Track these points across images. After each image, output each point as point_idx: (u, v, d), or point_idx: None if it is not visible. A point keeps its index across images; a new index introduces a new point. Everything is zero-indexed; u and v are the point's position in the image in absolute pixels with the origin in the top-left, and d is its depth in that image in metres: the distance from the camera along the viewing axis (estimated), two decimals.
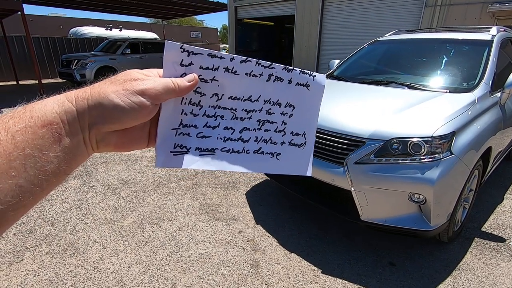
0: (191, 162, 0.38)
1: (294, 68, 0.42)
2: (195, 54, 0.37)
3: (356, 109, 2.31)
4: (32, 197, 0.29)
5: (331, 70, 3.50)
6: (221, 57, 0.38)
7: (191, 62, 0.37)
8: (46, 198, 2.91)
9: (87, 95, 0.32)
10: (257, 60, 0.40)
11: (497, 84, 2.54)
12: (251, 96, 0.41)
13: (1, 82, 11.56)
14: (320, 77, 0.44)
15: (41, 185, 0.29)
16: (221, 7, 12.65)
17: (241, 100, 0.40)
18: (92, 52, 10.75)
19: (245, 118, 0.41)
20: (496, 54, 2.64)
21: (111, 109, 0.32)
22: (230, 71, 0.39)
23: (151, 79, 0.35)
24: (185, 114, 0.38)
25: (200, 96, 0.38)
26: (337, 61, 3.64)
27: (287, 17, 11.89)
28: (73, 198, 2.94)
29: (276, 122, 0.43)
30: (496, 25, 3.66)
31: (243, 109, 0.41)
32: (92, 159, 3.94)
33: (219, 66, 0.38)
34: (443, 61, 2.95)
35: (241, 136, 0.41)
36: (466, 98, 2.22)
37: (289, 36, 12.14)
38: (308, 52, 10.46)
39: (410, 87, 2.57)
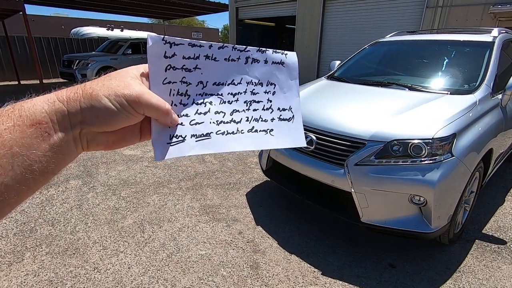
0: (189, 149, 0.39)
1: (267, 49, 0.45)
2: (177, 44, 0.38)
3: (356, 110, 2.30)
4: (18, 195, 0.29)
5: (332, 71, 3.49)
6: (200, 46, 0.39)
7: (174, 53, 0.38)
8: (46, 198, 2.91)
9: (79, 97, 0.31)
10: (233, 45, 0.42)
11: (499, 85, 2.53)
12: (233, 79, 0.43)
13: (3, 82, 11.59)
14: (291, 54, 0.47)
15: (28, 184, 0.29)
16: (222, 8, 12.67)
17: (226, 85, 0.42)
18: (94, 52, 10.78)
19: (232, 101, 0.43)
20: (497, 56, 2.64)
21: (103, 112, 0.32)
22: (210, 58, 0.40)
23: (146, 91, 0.35)
24: (175, 105, 0.39)
25: (187, 86, 0.40)
26: (338, 62, 3.64)
27: (288, 18, 11.89)
28: (73, 198, 2.94)
29: (262, 101, 0.45)
30: (497, 27, 3.65)
31: (229, 93, 0.42)
32: (93, 159, 3.95)
33: (199, 55, 0.39)
34: (444, 63, 2.95)
35: (232, 118, 0.42)
36: (467, 99, 2.21)
37: (290, 37, 12.13)
38: (309, 53, 10.45)
39: (411, 88, 2.57)
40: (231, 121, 0.42)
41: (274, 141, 0.45)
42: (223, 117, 0.42)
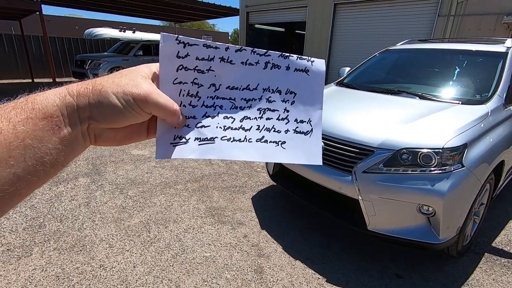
0: (190, 152, 0.38)
1: (291, 55, 0.42)
2: (191, 45, 0.37)
3: (366, 117, 2.29)
4: (28, 186, 0.29)
5: (342, 78, 3.49)
6: (216, 47, 0.38)
7: (187, 53, 0.37)
8: (55, 195, 2.96)
9: (89, 92, 0.32)
10: (252, 48, 0.40)
11: (511, 97, 2.49)
12: (249, 85, 0.40)
13: (17, 80, 11.88)
14: (319, 62, 0.43)
15: (38, 175, 0.30)
16: (233, 12, 12.82)
17: (240, 90, 0.40)
18: (106, 53, 10.99)
19: (245, 107, 0.40)
20: (511, 67, 2.60)
21: (110, 109, 0.32)
22: (226, 60, 0.39)
23: (155, 90, 0.35)
24: (184, 106, 0.38)
25: (198, 87, 0.38)
26: (347, 69, 3.64)
27: (298, 23, 11.94)
28: (82, 195, 2.99)
29: (278, 110, 0.42)
30: (511, 37, 3.61)
31: (242, 98, 0.40)
32: (102, 158, 4.00)
33: (214, 56, 0.38)
34: (456, 72, 2.92)
35: (242, 125, 0.40)
36: (479, 110, 2.19)
37: (300, 42, 12.18)
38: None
39: (422, 97, 2.55)
40: (239, 128, 0.40)
41: (285, 155, 0.42)
42: (231, 123, 0.40)
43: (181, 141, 0.38)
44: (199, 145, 0.38)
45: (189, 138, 0.38)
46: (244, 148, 0.40)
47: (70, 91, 0.32)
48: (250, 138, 0.40)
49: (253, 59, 0.40)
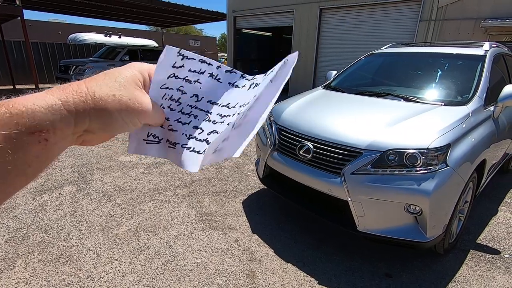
0: (159, 152, 0.40)
1: (272, 70, 0.40)
2: (189, 59, 0.39)
3: (353, 120, 2.34)
4: (3, 194, 0.28)
5: (329, 81, 3.55)
6: (209, 64, 0.40)
7: (183, 65, 0.39)
8: (40, 204, 2.87)
9: (89, 108, 0.30)
10: (242, 73, 0.41)
11: (490, 98, 2.59)
12: (229, 103, 0.41)
13: None
14: (292, 55, 0.40)
15: (14, 184, 0.28)
16: (220, 17, 12.86)
17: (219, 106, 0.41)
18: (91, 58, 10.78)
19: (217, 122, 0.40)
20: (489, 69, 2.71)
21: (111, 125, 0.33)
22: (214, 77, 0.41)
23: (151, 104, 0.36)
24: (163, 107, 0.39)
25: (181, 94, 0.40)
26: (334, 72, 3.70)
27: (285, 28, 12.08)
28: (67, 204, 2.90)
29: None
30: (488, 41, 3.77)
31: (218, 113, 0.41)
32: (88, 166, 3.91)
33: (205, 71, 0.40)
34: (438, 75, 3.02)
35: (207, 138, 0.39)
36: (461, 111, 2.26)
37: (287, 46, 12.31)
38: (305, 63, 10.60)
39: (406, 99, 2.62)
40: (203, 140, 0.39)
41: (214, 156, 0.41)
42: (199, 134, 0.40)
43: (154, 139, 0.40)
44: (168, 147, 0.40)
45: (162, 139, 0.40)
46: (197, 160, 0.39)
47: (65, 105, 0.29)
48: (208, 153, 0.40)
49: (241, 83, 0.41)
